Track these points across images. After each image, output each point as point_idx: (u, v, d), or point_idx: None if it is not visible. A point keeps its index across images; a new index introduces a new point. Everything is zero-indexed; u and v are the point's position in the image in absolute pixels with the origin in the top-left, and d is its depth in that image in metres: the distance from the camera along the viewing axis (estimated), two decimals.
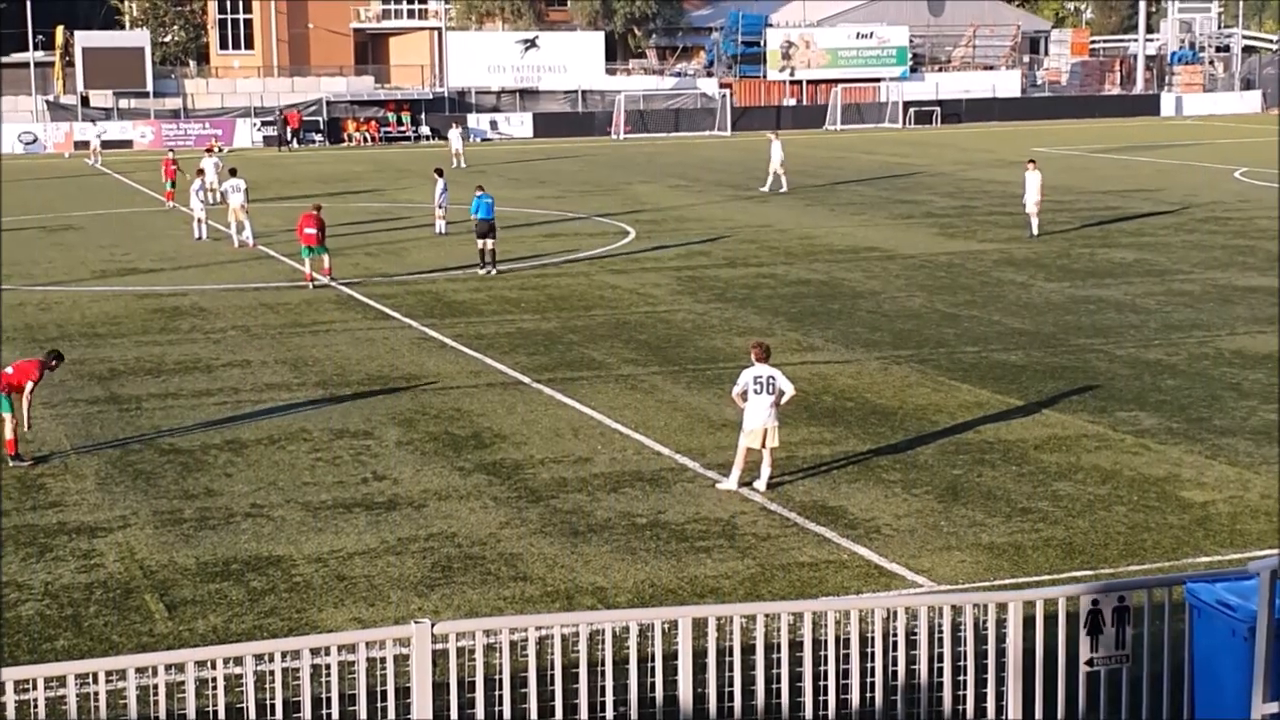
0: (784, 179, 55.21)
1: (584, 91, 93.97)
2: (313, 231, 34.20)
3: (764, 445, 18.46)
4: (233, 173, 43.00)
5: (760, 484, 18.53)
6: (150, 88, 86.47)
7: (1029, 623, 11.15)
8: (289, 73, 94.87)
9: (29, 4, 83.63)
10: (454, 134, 70.22)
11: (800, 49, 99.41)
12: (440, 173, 44.26)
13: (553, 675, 10.46)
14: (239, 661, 10.05)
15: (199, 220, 43.10)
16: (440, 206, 43.41)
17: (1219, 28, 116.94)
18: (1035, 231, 41.31)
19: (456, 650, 10.30)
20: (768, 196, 53.38)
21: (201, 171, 45.42)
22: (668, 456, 20.17)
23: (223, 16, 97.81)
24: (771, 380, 18.42)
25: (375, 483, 19.17)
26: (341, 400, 23.68)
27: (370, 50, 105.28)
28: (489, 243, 35.98)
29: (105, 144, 74.69)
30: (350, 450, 20.71)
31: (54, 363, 20.76)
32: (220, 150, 79.79)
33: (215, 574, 15.89)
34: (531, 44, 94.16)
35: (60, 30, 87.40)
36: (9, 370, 20.28)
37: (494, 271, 35.87)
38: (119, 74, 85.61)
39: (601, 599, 15.04)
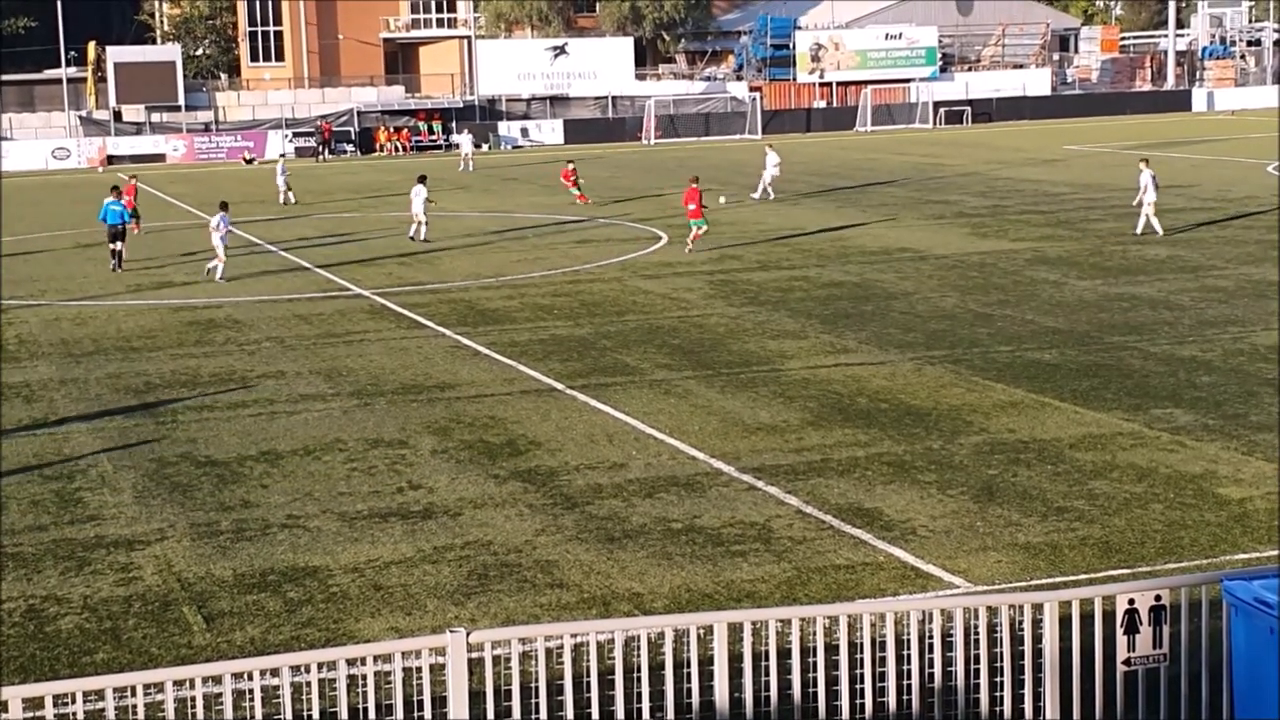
0: (770, 190, 53.86)
1: (614, 97, 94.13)
2: (694, 206, 39.82)
3: None
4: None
5: None
6: (182, 101, 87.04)
7: (1065, 623, 11.10)
8: (320, 84, 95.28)
9: (61, 20, 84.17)
10: (464, 138, 70.37)
11: (829, 51, 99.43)
12: (423, 180, 45.09)
13: (589, 682, 10.45)
14: (276, 673, 10.09)
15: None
16: (420, 213, 44.02)
17: (1250, 21, 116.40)
18: (1158, 229, 40.15)
19: (492, 659, 10.31)
20: (799, 198, 53.29)
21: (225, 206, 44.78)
22: (703, 461, 20.16)
23: (253, 29, 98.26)
24: None
25: (411, 492, 19.21)
26: (376, 410, 23.75)
27: (400, 60, 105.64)
28: (119, 244, 40.39)
29: (135, 158, 75.28)
30: (385, 460, 20.76)
31: None
32: (251, 162, 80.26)
33: (252, 585, 15.94)
34: (561, 51, 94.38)
35: (92, 46, 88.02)
36: None
37: (120, 270, 39.78)
38: (151, 88, 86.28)
39: (638, 605, 15.04)
